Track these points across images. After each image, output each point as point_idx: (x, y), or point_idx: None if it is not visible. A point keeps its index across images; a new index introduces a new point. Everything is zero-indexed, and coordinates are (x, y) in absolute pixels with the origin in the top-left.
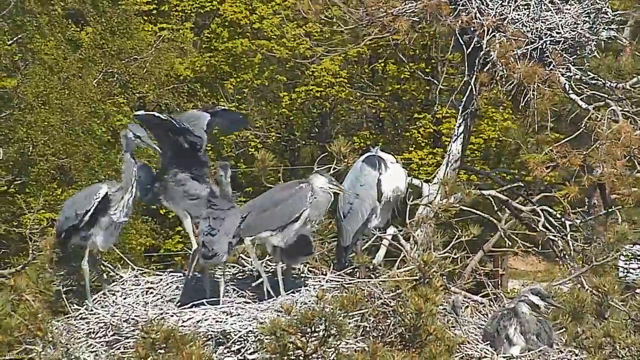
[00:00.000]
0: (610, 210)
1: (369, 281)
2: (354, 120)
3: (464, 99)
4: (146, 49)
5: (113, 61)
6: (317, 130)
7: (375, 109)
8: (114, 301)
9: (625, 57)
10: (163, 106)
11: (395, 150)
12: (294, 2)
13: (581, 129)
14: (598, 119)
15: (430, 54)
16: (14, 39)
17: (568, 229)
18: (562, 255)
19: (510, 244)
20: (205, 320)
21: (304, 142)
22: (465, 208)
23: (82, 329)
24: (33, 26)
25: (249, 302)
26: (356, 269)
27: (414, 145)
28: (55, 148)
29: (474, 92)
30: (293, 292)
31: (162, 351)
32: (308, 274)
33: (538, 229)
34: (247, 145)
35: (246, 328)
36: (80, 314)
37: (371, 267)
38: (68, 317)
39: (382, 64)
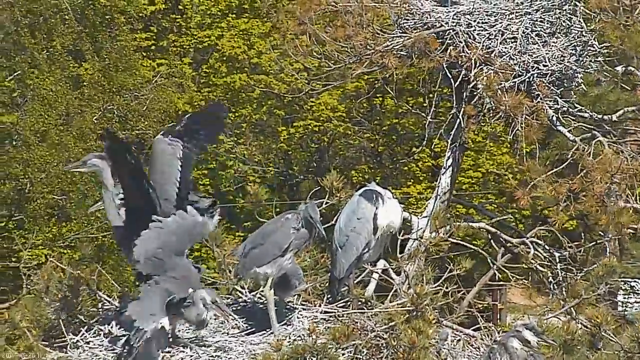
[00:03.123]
0: (596, 242)
1: (362, 313)
2: (352, 154)
3: (452, 132)
4: (145, 85)
5: (112, 97)
6: (315, 164)
7: (374, 143)
8: (109, 333)
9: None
10: None
11: (394, 185)
12: (283, 41)
13: (569, 160)
14: (585, 150)
15: (429, 88)
16: (12, 75)
17: (558, 261)
18: (551, 287)
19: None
20: (198, 358)
21: (302, 177)
22: (456, 241)
23: None
24: (29, 62)
25: (242, 336)
26: (349, 302)
27: (412, 180)
28: (52, 185)
29: (462, 125)
30: (286, 325)
31: None
32: (301, 307)
33: (528, 261)
34: (246, 180)
35: None
36: (76, 345)
37: (364, 300)
38: (63, 349)
39: (380, 99)
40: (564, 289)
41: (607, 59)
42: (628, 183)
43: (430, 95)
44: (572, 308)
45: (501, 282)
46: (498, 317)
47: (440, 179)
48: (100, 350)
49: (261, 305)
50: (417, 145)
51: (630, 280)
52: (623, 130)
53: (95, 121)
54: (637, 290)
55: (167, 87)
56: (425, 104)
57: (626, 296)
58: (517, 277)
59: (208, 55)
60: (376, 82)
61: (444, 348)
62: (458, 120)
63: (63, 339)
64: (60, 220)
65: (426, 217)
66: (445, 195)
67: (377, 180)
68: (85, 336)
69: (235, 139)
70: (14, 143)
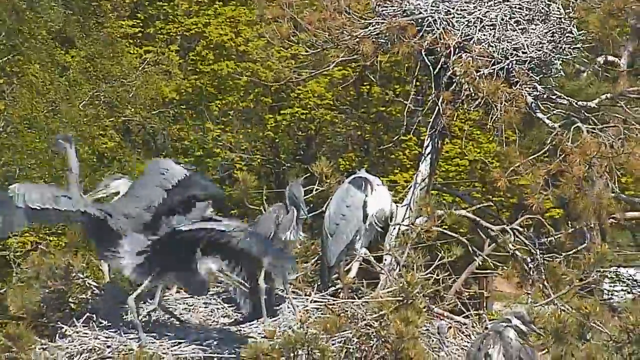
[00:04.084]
0: (575, 228)
1: (352, 302)
2: (339, 142)
3: (431, 119)
4: (132, 72)
5: (100, 84)
6: (302, 152)
7: (361, 130)
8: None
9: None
10: (149, 129)
11: (381, 172)
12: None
13: (547, 146)
14: (564, 136)
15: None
16: None
17: (537, 247)
18: (531, 273)
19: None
20: (188, 345)
21: (289, 165)
22: (441, 230)
23: (65, 351)
24: (14, 48)
25: (232, 324)
26: (339, 290)
27: (399, 168)
28: (41, 172)
29: (440, 112)
30: (277, 314)
31: None
32: (292, 295)
33: (507, 248)
34: (233, 168)
35: (229, 352)
36: (64, 333)
37: (354, 287)
38: (51, 338)
39: (367, 86)
40: (543, 274)
41: (585, 46)
42: (606, 167)
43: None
44: (557, 298)
45: (487, 270)
46: (485, 304)
47: (419, 166)
48: (90, 339)
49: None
50: (404, 133)
51: (615, 268)
52: (601, 117)
53: (83, 108)
54: (623, 278)
55: (154, 74)
56: (413, 91)
57: (612, 284)
58: (501, 265)
59: (195, 42)
60: (362, 70)
61: (440, 339)
62: (437, 107)
63: (52, 327)
64: None
65: (406, 205)
66: (424, 182)
67: (364, 168)
68: (75, 324)
69: (222, 126)
70: (2, 129)
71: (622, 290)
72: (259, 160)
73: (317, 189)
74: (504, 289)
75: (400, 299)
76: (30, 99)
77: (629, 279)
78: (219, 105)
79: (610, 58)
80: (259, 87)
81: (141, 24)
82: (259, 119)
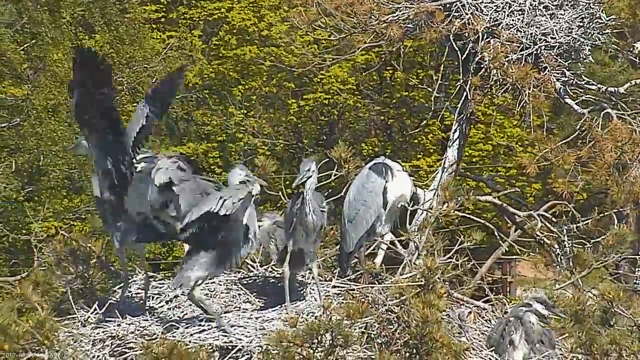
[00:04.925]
0: (604, 213)
1: (372, 287)
2: (362, 127)
3: (459, 104)
4: (155, 58)
5: (122, 70)
6: (324, 137)
7: (384, 115)
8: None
9: None
10: (172, 114)
11: (404, 157)
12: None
13: (577, 132)
14: (593, 121)
15: (438, 61)
16: (22, 47)
17: (565, 233)
18: (558, 260)
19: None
20: (212, 331)
21: (311, 150)
22: (464, 215)
23: (88, 339)
24: (41, 35)
25: (255, 310)
26: (360, 275)
27: (422, 152)
28: (65, 158)
29: (469, 97)
30: (299, 300)
31: None
32: (313, 281)
33: (534, 234)
34: (256, 153)
35: (252, 339)
36: (87, 320)
37: (374, 273)
38: (75, 324)
39: (391, 71)
40: (571, 261)
41: (615, 31)
42: (637, 153)
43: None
44: (579, 280)
45: (512, 256)
46: (508, 290)
47: (447, 151)
48: (112, 326)
49: (272, 280)
50: (427, 118)
51: None
52: (631, 102)
53: None
54: None
55: (177, 59)
56: (436, 76)
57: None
58: (527, 250)
59: (218, 27)
60: (385, 55)
61: (461, 324)
62: (464, 93)
63: (73, 315)
64: (71, 192)
65: (433, 189)
66: (452, 167)
67: (386, 153)
68: (97, 311)
69: (245, 111)
70: (26, 117)
71: None
72: (281, 145)
73: (335, 174)
74: (527, 274)
75: (421, 283)
76: (53, 87)
77: None
78: (242, 90)
79: (638, 45)
80: (282, 72)
81: (164, 9)
82: (281, 104)
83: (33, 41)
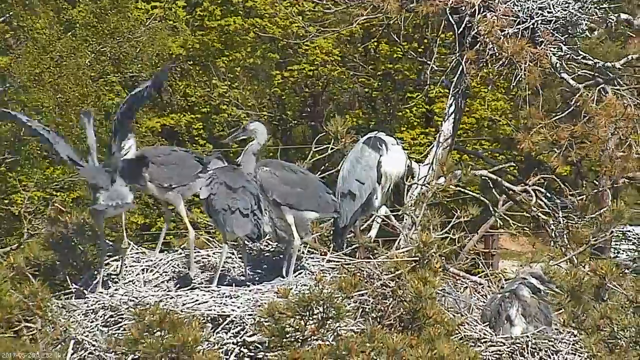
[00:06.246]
0: (598, 190)
1: (368, 262)
2: (346, 99)
3: (455, 78)
4: (138, 28)
5: (106, 40)
6: (309, 109)
7: (368, 88)
8: (113, 280)
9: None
10: None
11: (387, 130)
12: None
13: (572, 107)
14: (588, 97)
15: (423, 33)
16: (3, 16)
17: (559, 209)
18: (553, 235)
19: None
20: (205, 302)
21: (295, 122)
22: (459, 189)
23: (81, 309)
24: (23, 4)
25: (249, 283)
26: (355, 250)
27: (406, 125)
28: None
29: (464, 71)
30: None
31: (158, 333)
32: (307, 255)
33: (530, 209)
34: (239, 125)
35: (245, 311)
36: (79, 292)
37: (370, 247)
38: (67, 296)
39: (375, 44)
40: (565, 237)
41: (611, 5)
42: (631, 129)
43: (426, 41)
44: (574, 256)
45: (500, 229)
46: (491, 263)
47: (442, 125)
48: (105, 296)
49: (267, 254)
50: (411, 90)
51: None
52: (626, 78)
53: (89, 64)
54: (630, 237)
55: (161, 30)
56: (420, 49)
57: (617, 242)
58: (517, 224)
59: None
60: (371, 27)
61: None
62: (460, 66)
63: (67, 286)
64: (54, 163)
65: (428, 164)
66: (447, 141)
67: (370, 126)
68: (89, 282)
69: (229, 83)
70: (10, 85)
71: (628, 249)
72: (265, 117)
73: (332, 149)
74: (509, 247)
75: (416, 258)
76: (37, 55)
77: (635, 237)
78: (226, 62)
79: (624, 16)
80: (266, 43)
81: None
82: (265, 76)
83: (17, 8)
